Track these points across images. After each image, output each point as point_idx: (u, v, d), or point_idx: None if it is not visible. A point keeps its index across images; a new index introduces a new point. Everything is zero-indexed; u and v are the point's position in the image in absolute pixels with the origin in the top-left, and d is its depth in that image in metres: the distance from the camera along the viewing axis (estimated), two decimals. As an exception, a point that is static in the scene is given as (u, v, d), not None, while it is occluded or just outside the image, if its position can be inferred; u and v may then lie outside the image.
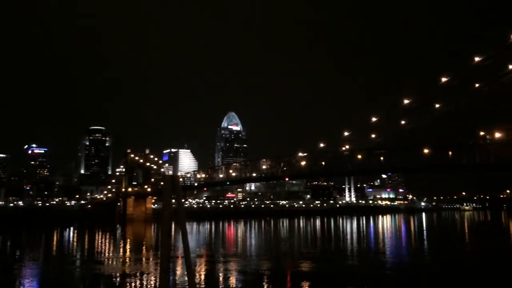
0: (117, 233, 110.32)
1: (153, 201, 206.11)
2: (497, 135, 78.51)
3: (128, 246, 74.84)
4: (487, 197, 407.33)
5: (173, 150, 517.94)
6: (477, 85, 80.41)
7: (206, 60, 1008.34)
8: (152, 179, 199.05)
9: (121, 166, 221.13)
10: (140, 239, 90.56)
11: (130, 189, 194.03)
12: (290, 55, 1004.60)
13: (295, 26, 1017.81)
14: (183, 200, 9.90)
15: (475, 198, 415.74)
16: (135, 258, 54.80)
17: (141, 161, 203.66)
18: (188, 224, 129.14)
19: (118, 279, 38.68)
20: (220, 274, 40.80)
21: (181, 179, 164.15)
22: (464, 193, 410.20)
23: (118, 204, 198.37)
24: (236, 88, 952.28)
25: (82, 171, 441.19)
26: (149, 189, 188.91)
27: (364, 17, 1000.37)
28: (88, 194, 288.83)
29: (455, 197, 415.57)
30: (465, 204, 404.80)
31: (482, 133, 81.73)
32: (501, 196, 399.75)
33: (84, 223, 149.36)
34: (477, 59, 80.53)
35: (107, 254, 61.89)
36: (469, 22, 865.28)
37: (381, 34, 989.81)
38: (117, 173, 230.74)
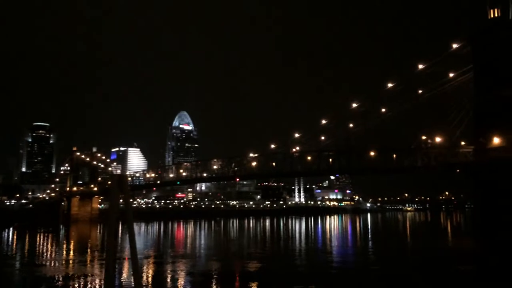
0: (60, 234, 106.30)
1: (100, 201, 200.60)
2: (438, 139, 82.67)
3: (71, 247, 72.17)
4: (428, 199, 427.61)
5: (122, 148, 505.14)
6: (420, 91, 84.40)
7: (159, 58, 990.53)
8: (99, 178, 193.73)
9: (66, 165, 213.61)
10: (84, 240, 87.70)
11: (75, 188, 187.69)
12: (243, 56, 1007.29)
13: (247, 25, 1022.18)
14: (131, 200, 9.76)
15: (416, 199, 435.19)
16: (79, 260, 52.94)
17: (88, 159, 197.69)
18: (136, 224, 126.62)
19: (60, 282, 37.22)
20: (168, 276, 40.29)
21: (129, 179, 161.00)
22: (406, 195, 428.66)
23: (62, 204, 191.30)
24: (188, 87, 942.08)
25: (24, 169, 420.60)
26: (95, 189, 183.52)
27: (317, 19, 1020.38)
28: (30, 193, 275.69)
29: (398, 198, 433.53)
30: (407, 205, 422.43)
31: (423, 137, 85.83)
32: (440, 197, 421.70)
33: (25, 223, 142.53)
34: (420, 66, 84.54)
35: (49, 256, 59.37)
36: (415, 31, 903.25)
37: (334, 38, 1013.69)
38: (62, 172, 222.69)
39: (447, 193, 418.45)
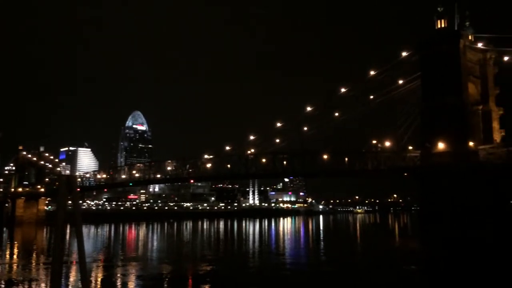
0: (3, 237, 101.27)
1: (47, 202, 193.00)
2: (387, 144, 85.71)
3: (15, 251, 68.91)
4: (377, 201, 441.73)
5: (71, 148, 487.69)
6: (371, 97, 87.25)
7: (113, 57, 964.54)
8: (47, 179, 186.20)
9: (11, 164, 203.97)
10: (30, 243, 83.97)
11: (20, 189, 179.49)
12: (200, 56, 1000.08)
13: (199, 26, 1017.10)
14: (80, 202, 9.54)
15: (366, 201, 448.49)
16: (23, 264, 50.65)
17: (35, 159, 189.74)
18: (84, 227, 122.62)
19: (3, 287, 35.50)
20: (118, 280, 39.37)
21: (78, 179, 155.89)
22: (357, 197, 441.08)
23: (6, 205, 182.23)
24: (144, 86, 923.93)
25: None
26: (42, 190, 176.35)
27: (274, 23, 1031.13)
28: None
29: (349, 200, 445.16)
30: (357, 207, 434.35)
31: (374, 142, 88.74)
32: (389, 200, 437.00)
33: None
34: (372, 73, 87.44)
35: (-10, 260, 56.37)
36: (369, 39, 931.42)
37: (290, 42, 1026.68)
38: (6, 172, 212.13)
39: (395, 195, 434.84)
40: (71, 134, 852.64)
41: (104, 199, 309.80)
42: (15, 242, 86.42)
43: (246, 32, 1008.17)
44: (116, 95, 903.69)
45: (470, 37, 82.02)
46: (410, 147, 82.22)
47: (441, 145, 74.63)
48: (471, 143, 73.79)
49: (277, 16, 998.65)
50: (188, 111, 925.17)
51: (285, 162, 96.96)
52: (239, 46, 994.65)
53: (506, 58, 79.99)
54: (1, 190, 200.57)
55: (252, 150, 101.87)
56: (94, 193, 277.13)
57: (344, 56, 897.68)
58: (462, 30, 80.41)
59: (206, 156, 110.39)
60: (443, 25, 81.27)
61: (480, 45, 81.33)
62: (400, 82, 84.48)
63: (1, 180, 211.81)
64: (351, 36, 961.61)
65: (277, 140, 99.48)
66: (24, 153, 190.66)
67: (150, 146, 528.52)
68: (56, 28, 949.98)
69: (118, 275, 41.78)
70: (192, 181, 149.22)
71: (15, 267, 49.12)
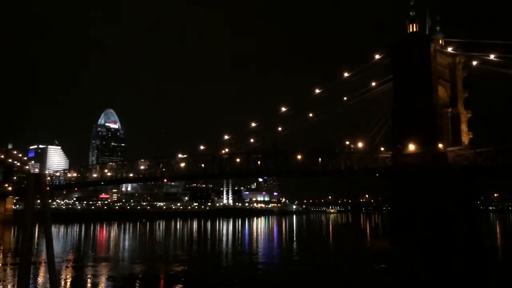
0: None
1: (15, 201, 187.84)
2: (360, 145, 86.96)
3: (-20, 252, 66.73)
4: (349, 201, 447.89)
5: (41, 146, 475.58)
6: (345, 98, 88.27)
7: (86, 55, 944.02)
8: (15, 177, 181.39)
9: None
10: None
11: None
12: (172, 56, 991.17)
13: (171, 26, 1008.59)
14: (49, 201, 9.37)
15: (339, 201, 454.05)
16: (-12, 265, 49.16)
17: (2, 156, 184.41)
18: (54, 226, 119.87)
19: (-34, 289, 34.40)
20: (88, 280, 38.72)
21: (48, 178, 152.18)
22: (330, 197, 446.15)
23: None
24: (116, 84, 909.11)
25: None
26: (10, 188, 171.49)
27: (251, 25, 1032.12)
28: None
29: (322, 200, 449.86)
30: (330, 207, 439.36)
31: (347, 143, 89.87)
32: (361, 200, 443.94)
33: None
34: (346, 75, 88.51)
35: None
36: (343, 40, 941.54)
37: (265, 42, 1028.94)
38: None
39: (367, 196, 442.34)
40: (41, 132, 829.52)
41: (75, 199, 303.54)
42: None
43: (222, 31, 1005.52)
44: (88, 92, 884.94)
45: (440, 42, 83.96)
46: (382, 148, 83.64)
47: (411, 147, 76.21)
48: (440, 145, 75.60)
49: (252, 16, 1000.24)
50: (162, 110, 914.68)
51: (259, 162, 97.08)
52: (214, 45, 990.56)
53: (474, 63, 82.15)
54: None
55: (227, 150, 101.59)
56: (64, 192, 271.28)
57: (319, 57, 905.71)
58: (433, 34, 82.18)
59: (180, 156, 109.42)
60: (414, 29, 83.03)
61: (450, 49, 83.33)
62: (373, 84, 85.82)
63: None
64: (327, 38, 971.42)
65: (252, 140, 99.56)
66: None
67: (122, 144, 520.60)
68: (13, 23, 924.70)
69: (88, 275, 41.08)
70: (165, 180, 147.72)
71: (-20, 268, 47.60)
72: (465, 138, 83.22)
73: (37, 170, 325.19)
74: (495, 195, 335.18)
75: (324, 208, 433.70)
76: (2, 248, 71.58)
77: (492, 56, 75.47)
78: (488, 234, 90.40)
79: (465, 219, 70.48)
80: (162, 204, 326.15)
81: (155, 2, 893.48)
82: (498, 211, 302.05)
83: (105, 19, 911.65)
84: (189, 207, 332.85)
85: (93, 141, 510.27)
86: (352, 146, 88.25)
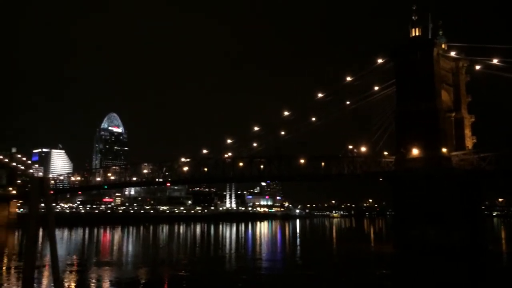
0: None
1: (19, 205, 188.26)
2: (363, 149, 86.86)
3: (-16, 255, 66.94)
4: (353, 205, 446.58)
5: (44, 150, 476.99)
6: (347, 102, 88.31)
7: (89, 59, 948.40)
8: (19, 181, 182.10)
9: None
10: (1, 247, 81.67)
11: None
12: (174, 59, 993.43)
13: (173, 31, 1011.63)
14: (53, 205, 9.46)
15: (342, 206, 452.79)
16: (-7, 268, 49.35)
17: (6, 160, 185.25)
18: (58, 230, 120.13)
19: (-30, 293, 34.56)
20: (91, 284, 38.79)
21: (52, 182, 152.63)
22: (333, 201, 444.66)
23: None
24: (120, 89, 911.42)
25: None
26: (14, 192, 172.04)
27: (251, 28, 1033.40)
28: None
29: (325, 205, 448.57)
30: (334, 211, 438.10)
31: (350, 147, 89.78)
32: (365, 204, 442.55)
33: None
34: (348, 78, 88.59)
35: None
36: (346, 44, 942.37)
37: (263, 44, 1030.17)
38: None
39: (370, 200, 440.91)
40: (44, 135, 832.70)
41: (78, 202, 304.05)
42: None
43: (224, 31, 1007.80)
44: (92, 96, 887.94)
45: (443, 46, 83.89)
46: (386, 153, 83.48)
47: (415, 151, 76.00)
48: (444, 149, 75.39)
49: (252, 16, 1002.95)
50: (165, 114, 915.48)
51: (262, 166, 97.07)
52: (215, 46, 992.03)
53: (477, 67, 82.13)
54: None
55: (229, 154, 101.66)
56: (68, 196, 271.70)
57: (321, 61, 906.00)
58: (435, 38, 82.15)
59: (183, 159, 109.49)
60: (417, 34, 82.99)
61: (453, 53, 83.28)
62: (376, 88, 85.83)
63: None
64: (329, 42, 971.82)
65: (255, 144, 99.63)
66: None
67: (126, 148, 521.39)
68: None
69: (92, 279, 41.16)
70: (168, 184, 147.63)
71: (-16, 271, 47.79)
72: (469, 142, 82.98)
73: (41, 173, 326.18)
74: (500, 200, 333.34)
75: (328, 213, 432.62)
76: (6, 251, 71.78)
77: (495, 61, 75.43)
78: (493, 239, 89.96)
79: (469, 224, 70.19)
80: (165, 208, 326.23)
81: (156, 2, 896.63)
82: (502, 216, 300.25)
83: (106, 20, 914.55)
84: (192, 211, 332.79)
85: (97, 145, 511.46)
86: (355, 150, 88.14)
